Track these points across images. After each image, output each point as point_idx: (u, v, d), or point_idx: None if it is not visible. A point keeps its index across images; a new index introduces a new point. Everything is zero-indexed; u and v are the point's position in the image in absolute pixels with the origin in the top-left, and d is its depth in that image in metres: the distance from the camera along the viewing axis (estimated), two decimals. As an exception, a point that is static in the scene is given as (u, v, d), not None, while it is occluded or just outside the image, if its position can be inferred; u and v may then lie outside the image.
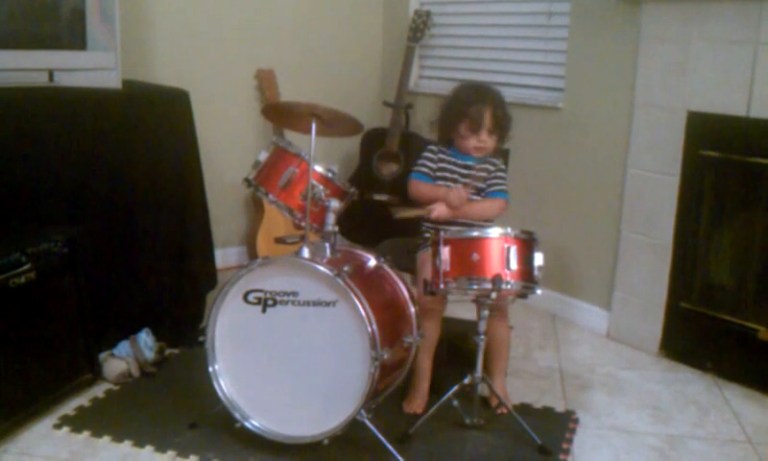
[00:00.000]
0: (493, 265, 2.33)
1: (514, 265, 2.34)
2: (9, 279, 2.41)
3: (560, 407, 2.78)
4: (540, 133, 3.65)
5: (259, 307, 2.33)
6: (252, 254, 3.95)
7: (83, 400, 2.68)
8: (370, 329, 2.20)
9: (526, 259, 2.37)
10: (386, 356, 2.23)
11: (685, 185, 3.10)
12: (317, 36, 4.29)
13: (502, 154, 2.85)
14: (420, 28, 4.16)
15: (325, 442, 2.29)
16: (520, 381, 2.96)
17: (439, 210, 2.62)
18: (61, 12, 2.83)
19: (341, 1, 4.40)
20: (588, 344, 3.38)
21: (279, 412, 2.36)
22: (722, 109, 2.92)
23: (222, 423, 2.44)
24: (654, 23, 3.09)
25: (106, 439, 2.45)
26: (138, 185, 2.97)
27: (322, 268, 2.26)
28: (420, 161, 2.79)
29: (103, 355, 2.83)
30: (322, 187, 2.44)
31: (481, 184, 2.70)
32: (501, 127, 2.70)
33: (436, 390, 2.63)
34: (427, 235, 2.68)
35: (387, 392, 2.50)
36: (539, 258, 2.39)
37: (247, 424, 2.38)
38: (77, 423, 2.54)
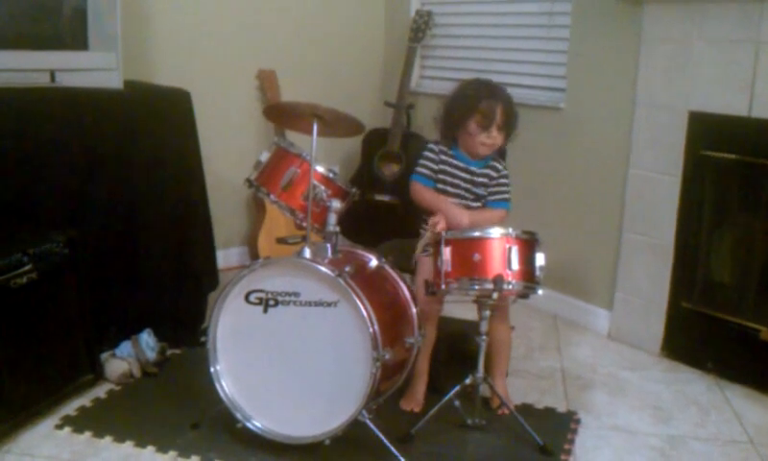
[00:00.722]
0: (495, 265, 2.33)
1: (515, 265, 2.34)
2: (10, 280, 2.41)
3: (561, 408, 2.78)
4: (542, 134, 3.65)
5: (261, 308, 2.33)
6: (254, 255, 3.95)
7: (84, 400, 2.68)
8: (371, 330, 2.20)
9: (528, 260, 2.37)
10: (387, 357, 2.23)
11: (687, 185, 3.09)
12: (318, 37, 4.29)
13: (498, 152, 2.83)
14: (421, 28, 4.16)
15: (327, 442, 2.29)
16: (522, 381, 2.96)
17: (442, 225, 2.56)
18: (63, 13, 2.83)
19: (342, 1, 4.40)
20: (589, 344, 3.38)
21: (281, 412, 2.36)
22: (723, 108, 2.92)
23: (223, 423, 2.44)
24: (655, 23, 3.09)
25: (107, 439, 2.46)
26: (140, 186, 2.97)
27: (323, 268, 2.26)
28: (422, 162, 2.75)
29: (104, 356, 2.84)
30: (323, 188, 2.44)
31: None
32: (510, 124, 2.67)
33: (437, 390, 2.63)
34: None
35: (388, 392, 2.50)
36: (540, 259, 2.39)
37: (248, 425, 2.38)
38: (78, 423, 2.54)
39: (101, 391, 2.75)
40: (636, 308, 3.32)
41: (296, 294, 2.30)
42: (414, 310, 2.51)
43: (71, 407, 2.63)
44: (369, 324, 2.20)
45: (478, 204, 2.71)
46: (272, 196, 2.51)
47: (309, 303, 2.29)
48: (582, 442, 2.56)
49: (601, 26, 3.36)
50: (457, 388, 2.47)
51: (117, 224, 2.92)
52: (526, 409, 2.72)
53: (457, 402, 2.48)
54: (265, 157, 2.56)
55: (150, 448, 2.41)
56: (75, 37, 2.82)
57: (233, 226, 4.15)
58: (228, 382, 2.40)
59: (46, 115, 2.72)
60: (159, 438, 2.45)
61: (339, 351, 2.28)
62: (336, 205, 2.43)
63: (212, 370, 2.39)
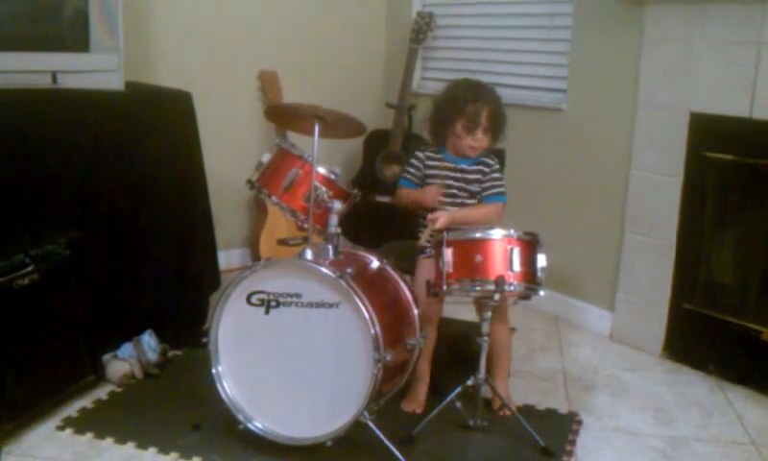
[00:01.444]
0: (496, 267, 2.33)
1: (517, 267, 2.34)
2: (12, 281, 2.41)
3: (563, 409, 2.77)
4: (543, 135, 3.65)
5: (262, 309, 2.33)
6: (256, 256, 3.95)
7: (86, 401, 2.68)
8: (373, 331, 2.20)
9: (529, 261, 2.37)
10: (389, 358, 2.23)
11: (688, 186, 3.09)
12: (320, 38, 4.29)
13: (497, 153, 2.84)
14: (422, 30, 4.16)
15: (328, 444, 2.29)
16: (523, 383, 2.96)
17: (440, 220, 2.57)
18: (64, 14, 2.83)
19: (344, 3, 4.40)
20: (590, 345, 3.38)
21: (282, 414, 2.36)
22: (725, 109, 2.92)
23: (225, 424, 2.44)
24: (656, 24, 3.09)
25: (109, 441, 2.46)
26: (141, 187, 2.97)
27: (325, 270, 2.26)
28: (407, 168, 2.79)
29: (106, 357, 2.83)
30: (324, 189, 2.45)
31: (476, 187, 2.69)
32: (497, 126, 2.67)
33: (438, 391, 2.63)
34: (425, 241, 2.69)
35: (390, 394, 2.50)
36: (542, 260, 2.39)
37: (250, 426, 2.38)
38: (80, 424, 2.54)
39: (102, 392, 2.75)
40: (638, 309, 3.32)
41: (297, 295, 2.30)
42: (415, 312, 2.51)
43: (73, 408, 2.63)
44: (370, 325, 2.20)
45: (473, 201, 2.71)
46: (273, 197, 2.51)
47: (311, 305, 2.29)
48: (583, 443, 2.56)
49: (602, 27, 3.36)
50: (458, 389, 2.47)
51: (119, 225, 2.92)
52: (527, 410, 2.72)
53: (458, 404, 2.48)
54: (266, 158, 2.57)
55: (151, 450, 2.41)
56: (76, 39, 2.82)
57: (235, 227, 4.15)
58: (229, 383, 2.40)
59: (48, 117, 2.72)
60: (161, 439, 2.45)
61: (340, 352, 2.28)
62: (337, 206, 2.43)
63: (214, 371, 2.39)
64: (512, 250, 2.34)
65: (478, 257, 2.34)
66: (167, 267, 3.10)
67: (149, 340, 2.90)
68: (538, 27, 3.75)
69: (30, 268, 2.47)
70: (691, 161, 3.07)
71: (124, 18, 2.86)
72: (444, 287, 2.35)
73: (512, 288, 2.34)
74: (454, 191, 2.70)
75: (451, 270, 2.35)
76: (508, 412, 2.60)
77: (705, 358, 3.10)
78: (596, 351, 3.31)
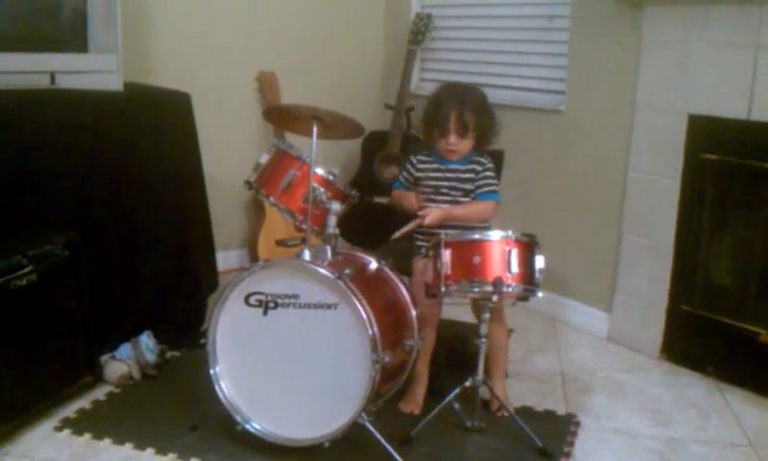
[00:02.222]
0: (495, 268, 2.33)
1: (515, 268, 2.34)
2: (10, 282, 2.41)
3: (561, 410, 2.78)
4: (542, 136, 3.65)
5: (260, 310, 2.33)
6: (254, 257, 3.95)
7: (84, 402, 2.68)
8: (371, 332, 2.20)
9: (527, 262, 2.37)
10: (387, 359, 2.23)
11: (686, 188, 3.09)
12: (318, 39, 4.29)
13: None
14: (421, 31, 4.16)
15: (326, 445, 2.29)
16: (521, 384, 2.96)
17: (431, 216, 2.59)
18: (63, 15, 2.84)
19: (342, 4, 4.40)
20: (588, 347, 3.38)
21: (280, 415, 2.36)
22: (723, 112, 2.92)
23: (223, 425, 2.44)
24: (655, 27, 3.09)
25: (107, 441, 2.46)
26: (139, 188, 2.97)
27: (323, 271, 2.26)
28: (402, 172, 2.81)
29: (104, 358, 2.84)
30: (323, 190, 2.45)
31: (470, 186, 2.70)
32: (474, 129, 2.64)
33: (436, 393, 2.63)
34: (419, 243, 2.69)
35: (388, 395, 2.50)
36: (540, 261, 2.39)
37: (248, 427, 2.38)
38: (78, 425, 2.54)
39: (100, 393, 2.75)
40: (636, 311, 3.32)
41: (295, 296, 2.30)
42: (413, 313, 2.51)
43: (70, 409, 2.63)
44: (368, 326, 2.20)
45: (467, 199, 2.70)
46: (271, 198, 2.51)
47: (309, 306, 2.29)
48: (581, 444, 2.56)
49: (601, 29, 3.36)
50: (456, 390, 2.47)
51: (117, 225, 2.92)
52: (526, 412, 2.72)
53: (456, 405, 2.48)
54: (265, 159, 2.56)
55: (149, 451, 2.41)
56: (75, 40, 2.83)
57: (233, 228, 4.15)
58: (227, 384, 2.40)
59: (46, 117, 2.73)
60: (159, 440, 2.45)
61: (338, 353, 2.28)
62: (336, 207, 2.43)
63: (212, 372, 2.39)
64: (510, 251, 2.34)
65: (476, 259, 2.34)
66: (165, 268, 3.10)
67: (147, 341, 2.89)
68: (536, 29, 3.75)
69: (28, 269, 2.47)
70: (689, 163, 3.07)
71: (122, 19, 2.87)
72: (443, 289, 2.35)
73: (510, 289, 2.34)
74: (444, 191, 2.70)
75: (449, 271, 2.35)
76: (506, 413, 2.60)
77: (703, 360, 3.10)
78: (594, 353, 3.31)
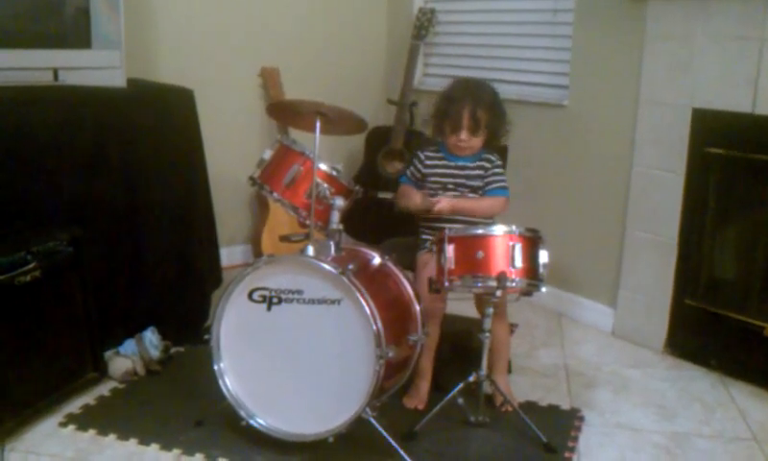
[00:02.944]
0: (498, 263, 2.33)
1: (519, 263, 2.33)
2: (14, 278, 2.42)
3: (565, 405, 2.77)
4: (545, 131, 3.65)
5: (264, 305, 2.33)
6: (257, 253, 3.95)
7: (88, 398, 2.69)
8: (375, 327, 2.20)
9: (531, 257, 2.37)
10: (391, 354, 2.23)
11: (691, 182, 3.09)
12: (321, 34, 4.29)
13: (500, 150, 2.84)
14: (424, 26, 4.16)
15: (331, 440, 2.29)
16: (525, 379, 2.96)
17: (442, 204, 2.61)
18: (66, 11, 2.83)
19: (345, -1, 4.40)
20: (593, 342, 3.37)
21: (285, 410, 2.36)
22: (727, 105, 2.91)
23: (227, 421, 2.44)
24: (659, 20, 3.09)
25: (111, 437, 2.46)
26: (143, 184, 2.97)
27: (326, 266, 2.26)
28: (408, 168, 2.81)
29: (108, 354, 2.84)
30: (326, 185, 2.45)
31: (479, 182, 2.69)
32: (486, 126, 2.66)
33: (440, 388, 2.63)
34: (425, 237, 2.69)
35: (392, 390, 2.50)
36: (544, 256, 2.39)
37: (252, 422, 2.38)
38: (82, 421, 2.54)
39: (105, 389, 2.75)
40: (640, 306, 3.32)
41: (299, 292, 2.30)
42: (417, 307, 2.51)
43: (75, 405, 2.63)
44: (372, 321, 2.20)
45: (475, 195, 2.70)
46: (275, 194, 2.51)
47: (312, 301, 2.29)
48: (586, 439, 2.56)
49: (605, 23, 3.35)
50: (460, 386, 2.47)
51: (121, 222, 2.92)
52: (530, 407, 2.72)
53: (460, 400, 2.48)
54: (268, 154, 2.56)
55: (154, 446, 2.41)
56: (78, 36, 2.82)
57: (237, 223, 4.15)
58: (231, 380, 2.40)
59: (49, 114, 2.72)
60: (163, 436, 2.46)
61: (342, 348, 2.28)
62: (339, 202, 2.44)
63: (216, 367, 2.39)
64: (513, 246, 2.34)
65: (480, 254, 2.34)
66: (169, 264, 3.10)
67: (151, 337, 2.90)
68: (540, 23, 3.74)
69: (32, 265, 2.47)
70: (693, 157, 3.06)
71: (125, 15, 2.86)
72: (446, 283, 2.35)
73: (514, 284, 2.33)
74: (451, 187, 2.70)
75: (453, 266, 2.35)
76: (510, 408, 2.60)
77: (707, 354, 3.10)
78: (598, 348, 3.31)
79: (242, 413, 2.38)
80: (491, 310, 2.41)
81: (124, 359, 2.82)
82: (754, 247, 3.04)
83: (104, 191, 2.86)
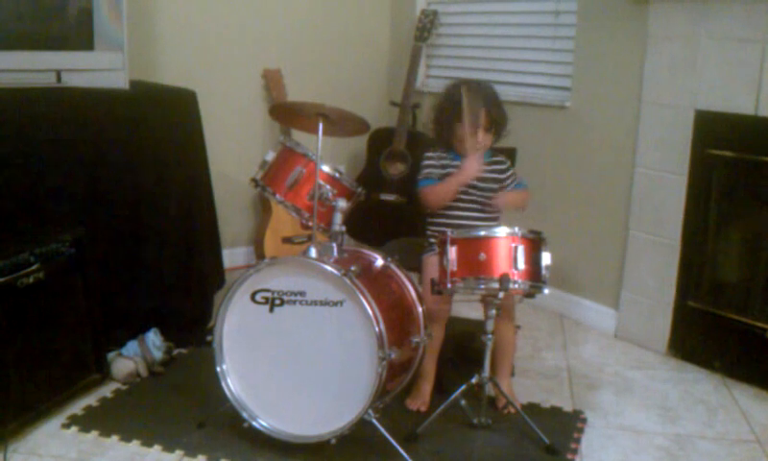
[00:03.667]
0: (501, 265, 2.33)
1: (521, 265, 2.33)
2: (17, 280, 2.42)
3: (567, 407, 2.77)
4: (547, 132, 3.65)
5: (267, 307, 2.33)
6: (260, 254, 3.95)
7: (91, 399, 2.69)
8: (377, 329, 2.20)
9: (534, 259, 2.37)
10: (393, 356, 2.23)
11: (693, 184, 3.09)
12: (324, 36, 4.29)
13: (508, 152, 2.85)
14: (426, 27, 4.16)
15: (333, 441, 2.29)
16: (528, 381, 2.95)
17: (474, 167, 2.60)
18: (69, 13, 2.84)
19: (348, 1, 4.40)
20: (595, 343, 3.37)
21: (287, 411, 2.36)
22: (730, 107, 2.91)
23: (230, 422, 2.44)
24: (661, 21, 3.09)
25: (114, 438, 2.46)
26: (146, 185, 2.98)
27: (329, 268, 2.26)
28: (425, 170, 2.74)
29: (111, 355, 2.84)
30: (329, 187, 2.45)
31: (494, 185, 2.69)
32: (497, 124, 2.68)
33: (443, 389, 2.63)
34: (432, 240, 2.68)
35: (395, 391, 2.50)
36: (546, 258, 2.38)
37: (254, 424, 2.38)
38: (85, 422, 2.54)
39: (107, 390, 2.75)
40: (643, 307, 3.31)
41: (302, 293, 2.30)
42: (420, 309, 2.51)
43: (78, 406, 2.63)
44: (374, 323, 2.20)
45: (485, 196, 2.69)
46: (277, 195, 2.51)
47: (315, 303, 2.29)
48: (588, 441, 2.55)
49: (607, 24, 3.35)
50: (463, 387, 2.47)
51: (124, 223, 2.93)
52: (532, 408, 2.72)
53: (463, 402, 2.48)
54: (271, 156, 2.56)
55: (156, 448, 2.41)
56: (81, 38, 2.83)
57: (239, 225, 4.15)
58: (234, 381, 2.40)
59: (52, 115, 2.73)
60: (166, 437, 2.46)
61: (345, 350, 2.28)
62: (342, 204, 2.44)
63: (218, 369, 2.39)
64: (516, 248, 2.34)
65: (482, 256, 2.34)
66: (172, 265, 3.10)
67: (154, 338, 2.90)
68: (542, 24, 3.74)
69: (35, 266, 2.48)
70: (696, 159, 3.06)
71: (128, 17, 2.87)
72: (449, 285, 2.35)
73: (516, 286, 2.33)
74: (465, 189, 2.67)
75: (455, 268, 2.35)
76: (512, 410, 2.60)
77: (710, 356, 3.10)
78: (601, 350, 3.31)
79: (244, 414, 2.38)
80: (493, 312, 2.41)
81: (127, 361, 2.82)
82: (757, 249, 3.03)
83: (106, 193, 2.86)
